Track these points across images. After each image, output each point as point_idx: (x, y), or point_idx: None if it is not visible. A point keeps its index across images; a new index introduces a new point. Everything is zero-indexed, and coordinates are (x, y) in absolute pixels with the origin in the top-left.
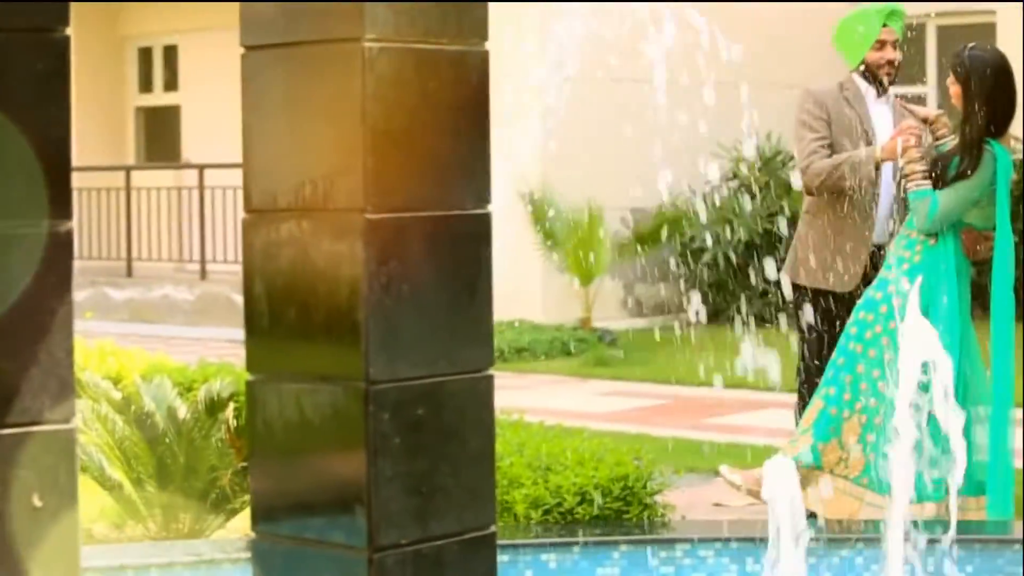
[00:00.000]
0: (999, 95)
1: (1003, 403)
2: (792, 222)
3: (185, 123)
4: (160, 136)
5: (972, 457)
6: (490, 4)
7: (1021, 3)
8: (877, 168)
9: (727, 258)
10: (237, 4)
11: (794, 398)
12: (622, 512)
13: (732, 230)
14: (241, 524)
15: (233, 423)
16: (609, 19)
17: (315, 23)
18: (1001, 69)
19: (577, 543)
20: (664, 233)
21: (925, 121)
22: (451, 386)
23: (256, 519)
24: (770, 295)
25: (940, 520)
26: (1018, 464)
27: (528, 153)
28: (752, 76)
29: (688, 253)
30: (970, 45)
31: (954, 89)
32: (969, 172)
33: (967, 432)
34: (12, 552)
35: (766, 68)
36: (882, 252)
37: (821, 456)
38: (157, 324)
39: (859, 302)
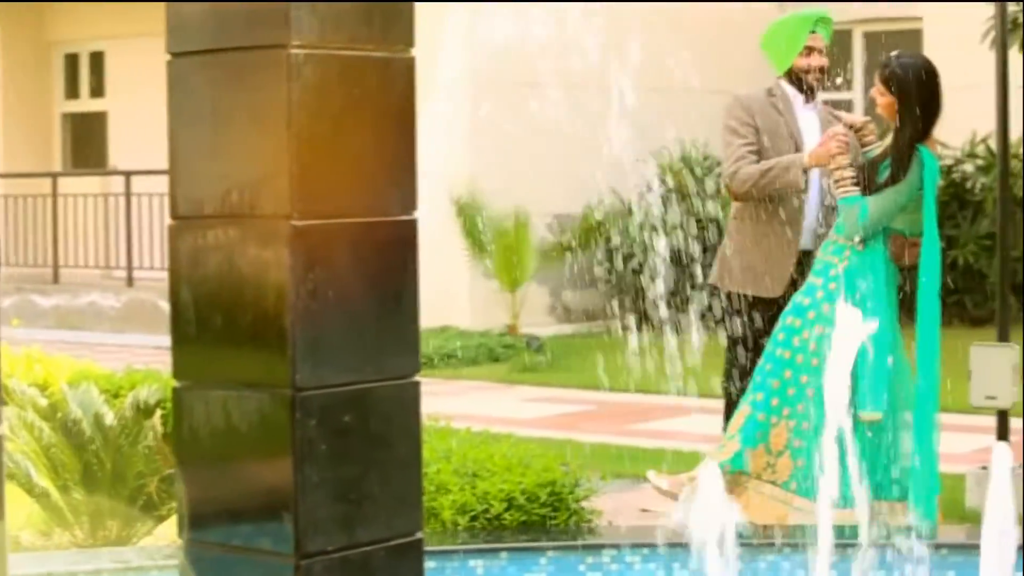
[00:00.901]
0: (927, 102)
1: (928, 408)
2: (720, 228)
3: (112, 130)
4: (87, 143)
5: (896, 462)
6: (416, 8)
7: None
8: (805, 174)
9: (653, 264)
10: (164, 11)
11: (721, 403)
12: (549, 518)
13: (659, 236)
14: (168, 531)
15: (160, 430)
16: (535, 24)
17: (241, 30)
18: (930, 74)
19: (504, 549)
20: (591, 239)
21: (852, 127)
22: (378, 393)
23: (183, 526)
24: (698, 301)
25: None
26: (942, 469)
27: (455, 159)
28: (680, 82)
29: (615, 259)
30: (896, 53)
31: (884, 99)
32: (900, 177)
33: (893, 438)
34: None
35: (693, 74)
36: (810, 258)
37: (748, 462)
38: (84, 331)
39: (787, 308)
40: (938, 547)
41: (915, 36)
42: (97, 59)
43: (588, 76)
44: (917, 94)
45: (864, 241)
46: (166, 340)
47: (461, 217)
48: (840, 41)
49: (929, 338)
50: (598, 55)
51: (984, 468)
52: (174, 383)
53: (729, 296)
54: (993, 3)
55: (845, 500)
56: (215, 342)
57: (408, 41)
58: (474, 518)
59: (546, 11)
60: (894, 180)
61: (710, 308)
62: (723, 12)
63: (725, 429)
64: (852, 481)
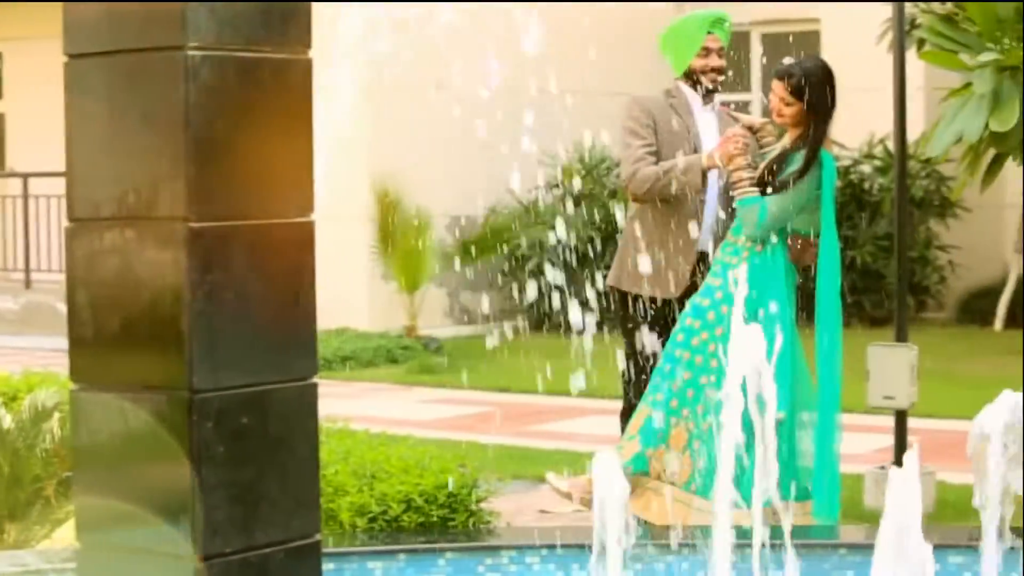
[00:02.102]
0: (829, 106)
1: (829, 408)
2: (619, 229)
3: (9, 131)
4: None
5: (797, 462)
6: (314, 9)
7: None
8: (703, 175)
9: (551, 265)
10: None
11: (620, 405)
12: (448, 519)
13: (557, 237)
14: (67, 534)
15: (58, 433)
16: (434, 25)
17: (138, 31)
18: (830, 78)
19: (402, 551)
20: (489, 241)
21: (751, 128)
22: (276, 394)
23: (81, 529)
24: (597, 302)
25: (767, 525)
26: (844, 469)
27: (354, 160)
28: (578, 84)
29: (513, 260)
30: (795, 60)
31: (790, 109)
32: (799, 178)
33: (791, 438)
34: None
35: (592, 75)
36: (708, 259)
37: (649, 462)
38: None
39: (686, 309)
40: (837, 547)
41: (813, 37)
42: None
43: (486, 78)
44: (822, 97)
45: (763, 242)
46: (64, 342)
47: (380, 215)
48: (738, 42)
49: (830, 338)
50: (497, 57)
51: (882, 468)
52: (71, 386)
53: (628, 297)
54: (890, 3)
55: (745, 500)
56: (112, 344)
57: (306, 43)
58: (372, 520)
59: (445, 12)
60: (793, 179)
61: (609, 309)
62: (622, 13)
63: (624, 430)
64: (752, 481)
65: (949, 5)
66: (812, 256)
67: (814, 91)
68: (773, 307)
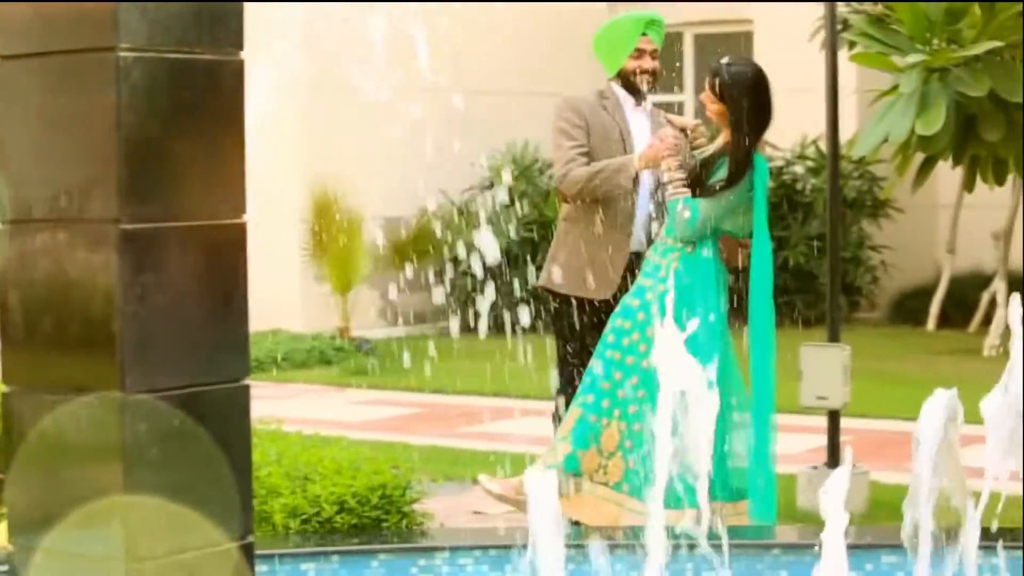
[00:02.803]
0: (760, 108)
1: (763, 409)
2: (550, 229)
3: None
4: None
5: (730, 463)
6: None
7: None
8: (635, 176)
9: (483, 266)
10: None
11: (552, 405)
12: (381, 521)
13: (489, 238)
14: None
15: None
16: (365, 27)
17: (69, 33)
18: (760, 82)
19: (335, 552)
20: (421, 242)
21: (683, 130)
22: (208, 396)
23: (13, 531)
24: (528, 303)
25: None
26: (777, 469)
27: (286, 162)
28: (510, 85)
29: (445, 261)
30: (728, 61)
31: (714, 107)
32: (733, 183)
33: (725, 439)
34: None
35: (524, 77)
36: (640, 260)
37: (580, 463)
38: None
39: (616, 309)
40: (770, 547)
41: (747, 39)
42: None
43: (419, 80)
44: (747, 102)
45: (694, 243)
46: None
47: (313, 216)
48: (671, 43)
49: (763, 339)
50: (431, 59)
51: (815, 468)
52: (3, 387)
53: (559, 298)
54: (823, 3)
55: (678, 501)
56: (45, 346)
57: (237, 44)
58: (305, 521)
59: (375, 14)
60: (726, 184)
61: (541, 310)
62: (556, 14)
63: (556, 431)
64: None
65: (880, 6)
66: (744, 257)
67: (736, 93)
68: (704, 308)
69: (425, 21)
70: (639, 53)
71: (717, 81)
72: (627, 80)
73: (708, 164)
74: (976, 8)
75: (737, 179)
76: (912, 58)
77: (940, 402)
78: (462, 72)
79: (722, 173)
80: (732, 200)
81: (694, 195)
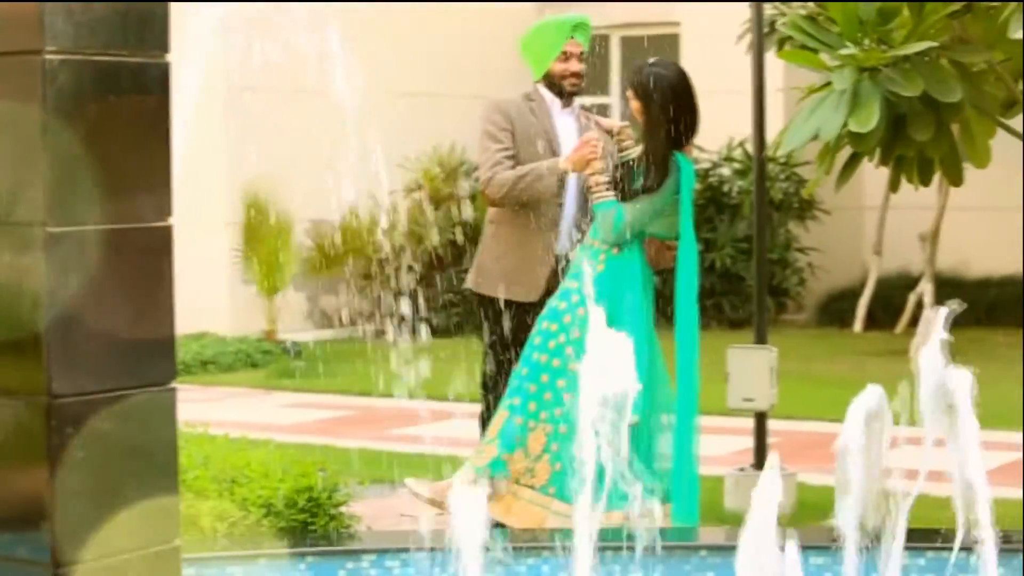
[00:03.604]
0: (681, 110)
1: (687, 411)
2: (477, 232)
3: None
4: None
5: (656, 465)
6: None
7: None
8: (561, 179)
9: (411, 268)
10: None
11: (479, 408)
12: (308, 524)
13: (416, 240)
14: None
15: None
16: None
17: None
18: (680, 85)
19: (263, 555)
20: (348, 244)
21: (610, 132)
22: (134, 400)
23: None
24: (455, 305)
25: (626, 528)
26: (704, 471)
27: (214, 164)
28: (437, 87)
29: (372, 264)
30: (650, 61)
31: (634, 104)
32: (655, 184)
33: (651, 441)
34: None
35: (451, 79)
36: (566, 262)
37: (507, 466)
38: None
39: (543, 312)
40: (697, 548)
41: (673, 41)
42: None
43: (345, 81)
44: (661, 103)
45: (620, 245)
46: None
47: (245, 219)
48: (598, 46)
49: (687, 341)
50: (358, 60)
51: (742, 470)
52: None
53: (486, 300)
54: (749, 3)
55: (607, 503)
56: None
57: (163, 47)
58: (232, 524)
59: (302, 16)
60: (649, 187)
61: (468, 312)
62: (483, 16)
63: (483, 434)
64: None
65: (811, 5)
66: (670, 259)
67: (653, 93)
68: (631, 310)
69: (352, 23)
70: (566, 56)
71: (635, 80)
72: (554, 83)
73: (634, 167)
74: (906, 9)
75: (657, 181)
76: (844, 51)
77: (866, 401)
78: (389, 74)
79: (644, 178)
80: (657, 203)
81: (620, 198)
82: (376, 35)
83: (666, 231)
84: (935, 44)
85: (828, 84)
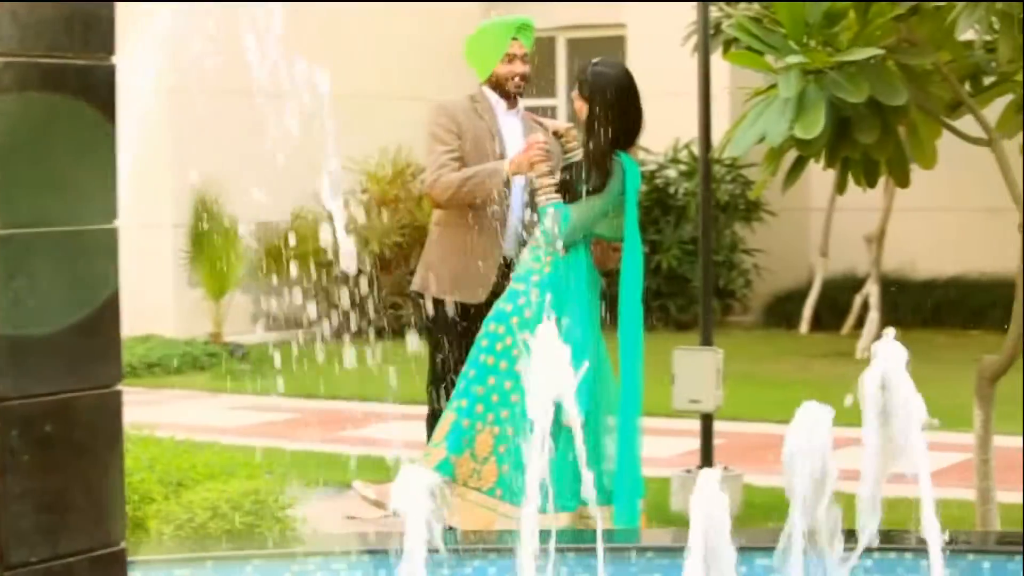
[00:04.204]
0: (624, 110)
1: (630, 412)
2: (424, 233)
3: None
4: None
5: (602, 467)
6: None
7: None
8: (507, 181)
9: (360, 270)
10: None
11: (426, 410)
12: (254, 526)
13: (363, 242)
14: None
15: None
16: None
17: None
18: (625, 85)
19: (209, 558)
20: (294, 247)
21: (555, 134)
22: (80, 402)
23: None
24: (402, 307)
25: (573, 530)
26: (647, 472)
27: (159, 166)
28: (384, 89)
29: (318, 266)
30: (595, 61)
31: (578, 104)
32: (598, 187)
33: (597, 442)
34: None
35: (398, 81)
36: (513, 264)
37: (455, 468)
38: None
39: (490, 314)
40: (644, 550)
41: (619, 43)
42: None
43: (292, 83)
44: (604, 102)
45: (566, 247)
46: None
47: (193, 221)
48: (544, 48)
49: (631, 342)
50: (304, 62)
51: (689, 471)
52: None
53: (433, 302)
54: (696, 4)
55: (553, 504)
56: None
57: (109, 49)
58: (179, 527)
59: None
60: (593, 188)
61: (415, 314)
62: (429, 17)
63: (430, 436)
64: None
65: (756, 7)
66: (616, 260)
67: (596, 92)
68: (577, 311)
69: (298, 24)
70: (510, 58)
71: (581, 80)
72: (499, 85)
73: (579, 168)
74: (852, 11)
75: (600, 181)
76: (790, 59)
77: (811, 414)
78: (335, 75)
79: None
80: (603, 203)
81: (566, 200)
82: (321, 36)
83: (612, 232)
84: (881, 52)
85: (774, 87)
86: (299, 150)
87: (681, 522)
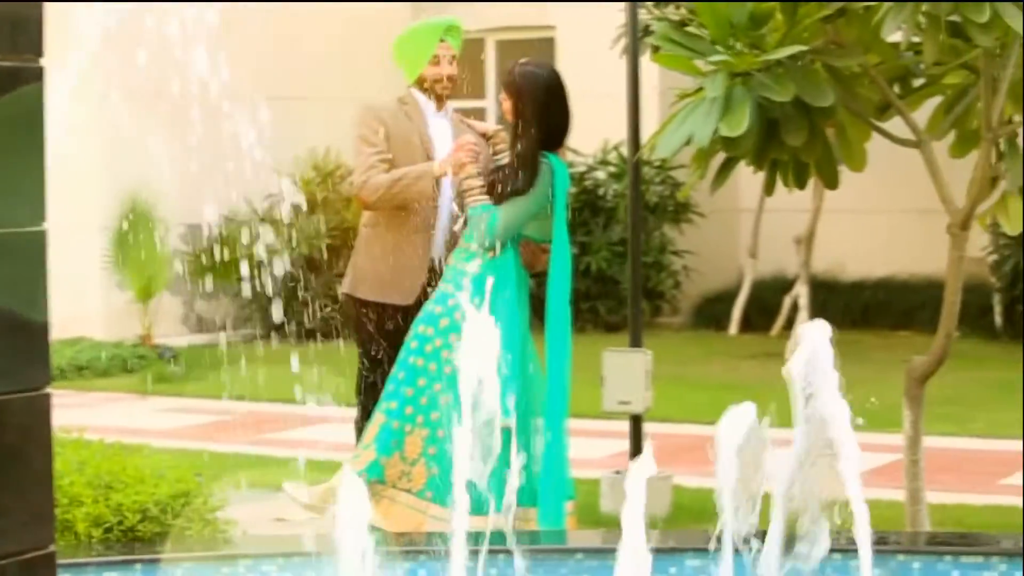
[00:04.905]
0: (552, 111)
1: (557, 414)
2: (352, 236)
3: None
4: None
5: (531, 468)
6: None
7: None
8: (436, 183)
9: (286, 273)
10: None
11: (355, 412)
12: (184, 529)
13: (291, 245)
14: None
15: None
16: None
17: None
18: (552, 85)
19: (138, 561)
20: (224, 249)
21: (484, 136)
22: (8, 405)
23: None
24: (331, 309)
25: (502, 531)
26: (577, 474)
27: (88, 168)
28: (311, 91)
29: (247, 269)
30: (522, 61)
31: (506, 105)
32: (526, 188)
33: (526, 443)
34: None
35: (325, 83)
36: (442, 266)
37: (384, 470)
38: None
39: (419, 316)
40: (573, 551)
41: (548, 45)
42: None
43: (219, 85)
44: (531, 103)
45: (495, 248)
46: None
47: (117, 223)
48: (473, 49)
49: (559, 343)
50: (231, 64)
51: (618, 473)
52: None
53: (362, 304)
54: (625, 5)
55: (480, 507)
56: None
57: (37, 50)
58: (108, 530)
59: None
60: (522, 189)
61: (344, 317)
62: (357, 18)
63: (360, 438)
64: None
65: (682, 10)
66: (544, 262)
67: (523, 93)
68: (505, 313)
69: (225, 25)
70: (437, 60)
71: (509, 80)
72: (427, 87)
73: (507, 170)
74: (779, 12)
75: (528, 182)
76: (715, 58)
77: (741, 415)
78: (263, 77)
79: (517, 182)
80: (531, 205)
81: (495, 201)
82: (252, 38)
83: (540, 234)
84: (806, 48)
85: (701, 89)
86: (228, 152)
87: (611, 523)
